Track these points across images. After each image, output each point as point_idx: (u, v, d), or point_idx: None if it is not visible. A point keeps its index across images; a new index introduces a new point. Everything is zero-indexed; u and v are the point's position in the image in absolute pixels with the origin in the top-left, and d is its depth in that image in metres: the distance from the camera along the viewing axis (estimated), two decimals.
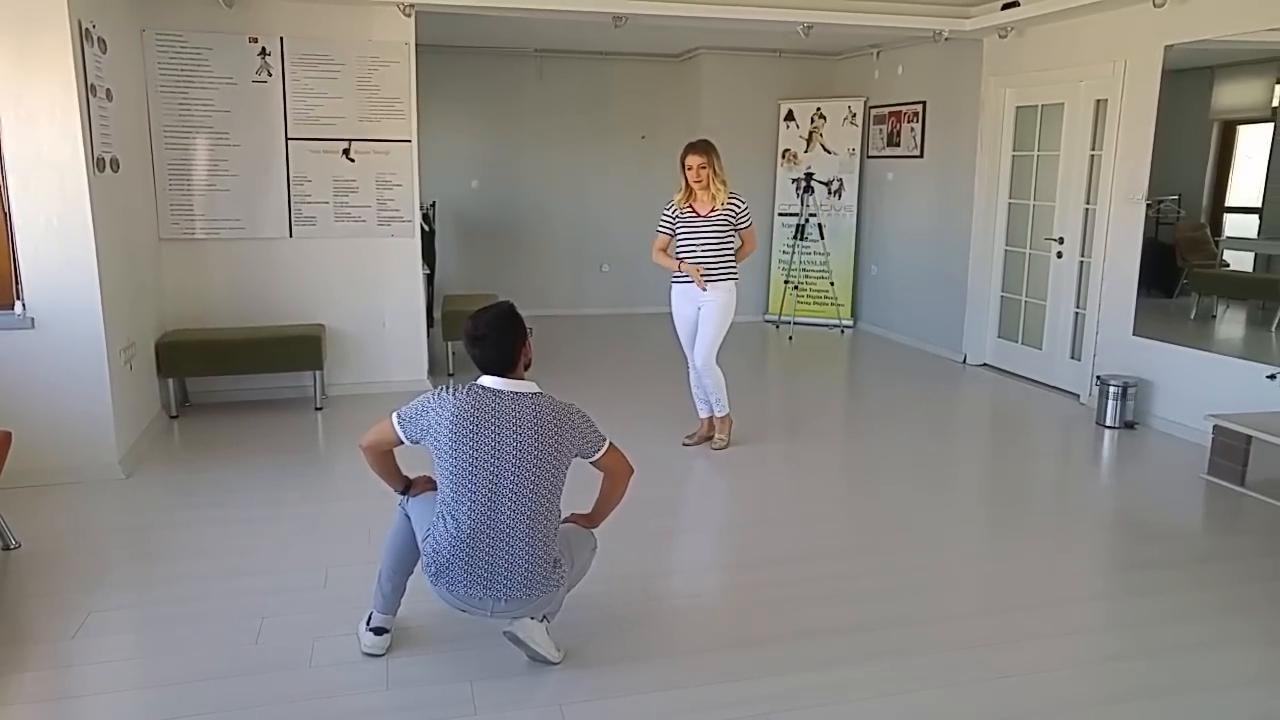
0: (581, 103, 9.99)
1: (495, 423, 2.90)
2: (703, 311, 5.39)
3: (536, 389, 3.01)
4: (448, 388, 2.99)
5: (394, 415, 3.03)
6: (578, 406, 3.09)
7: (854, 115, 9.49)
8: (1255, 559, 4.20)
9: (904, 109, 8.85)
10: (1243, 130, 6.51)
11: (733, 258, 5.38)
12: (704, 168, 5.23)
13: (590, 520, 3.31)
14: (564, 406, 3.04)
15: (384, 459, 3.14)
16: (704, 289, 5.31)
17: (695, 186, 5.26)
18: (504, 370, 3.00)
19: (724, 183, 5.29)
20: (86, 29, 4.82)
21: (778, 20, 6.98)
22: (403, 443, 3.03)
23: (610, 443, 3.13)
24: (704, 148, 5.28)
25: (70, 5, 4.57)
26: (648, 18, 6.78)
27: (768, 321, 10.02)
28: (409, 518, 3.15)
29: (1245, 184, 6.48)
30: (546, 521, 2.98)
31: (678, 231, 5.37)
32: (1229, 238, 6.65)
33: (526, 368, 3.08)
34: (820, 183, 9.60)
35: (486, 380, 2.99)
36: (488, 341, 2.99)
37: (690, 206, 5.32)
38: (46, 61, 4.56)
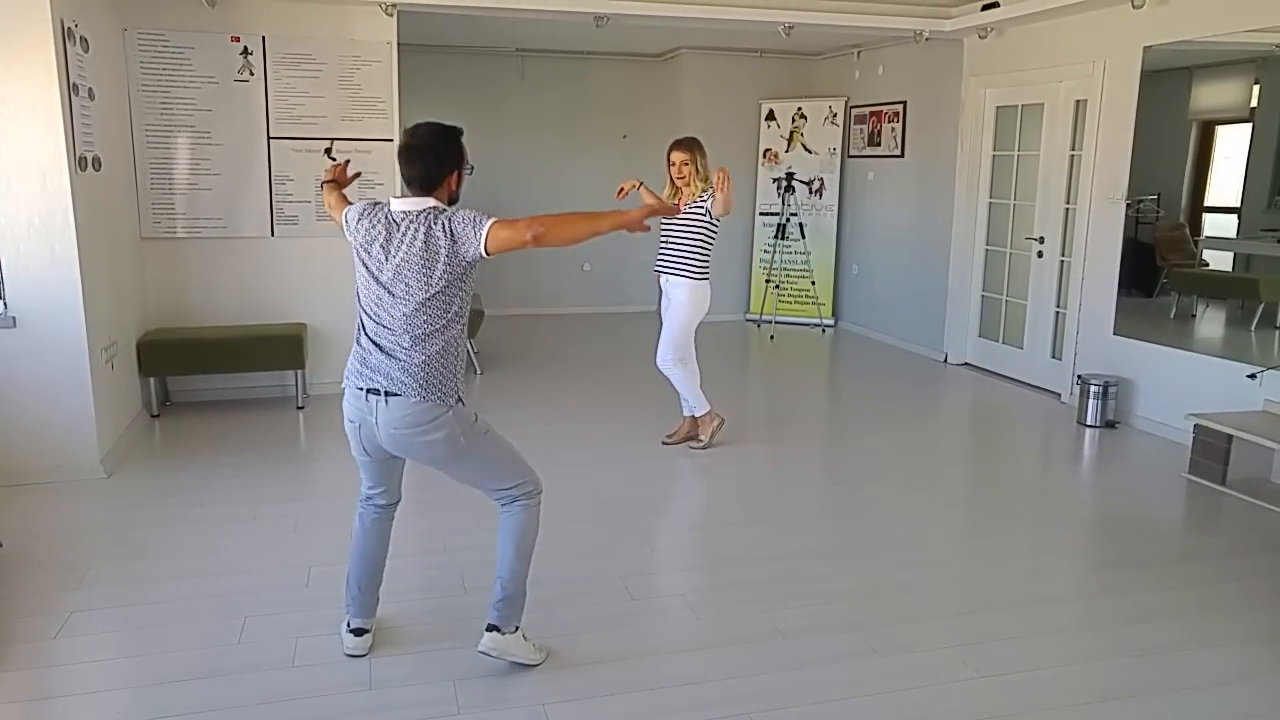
0: (563, 102, 9.99)
1: (386, 243, 2.87)
2: (668, 307, 5.44)
3: (433, 204, 2.89)
4: (376, 205, 2.97)
5: (347, 209, 3.09)
6: (467, 210, 2.89)
7: (835, 115, 9.53)
8: (1235, 558, 4.24)
9: (885, 109, 8.89)
10: (1221, 130, 6.57)
11: (695, 256, 5.31)
12: (686, 164, 5.26)
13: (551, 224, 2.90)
14: (449, 212, 2.88)
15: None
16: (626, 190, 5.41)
17: (678, 183, 5.29)
18: (424, 190, 2.90)
19: (705, 180, 5.30)
20: (69, 28, 4.79)
21: (759, 20, 7.00)
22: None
23: (494, 221, 2.81)
24: (688, 145, 5.30)
25: (53, 4, 4.55)
26: (629, 17, 6.79)
27: (749, 321, 10.05)
28: (361, 518, 3.20)
29: (1224, 184, 6.53)
30: (427, 324, 2.85)
31: (660, 224, 5.42)
32: (1208, 237, 6.71)
33: (452, 203, 2.97)
34: (801, 182, 9.64)
35: (394, 203, 2.92)
36: (416, 155, 2.91)
37: (674, 202, 5.35)
38: (29, 60, 4.54)
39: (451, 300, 2.88)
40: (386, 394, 2.87)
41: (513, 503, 3.09)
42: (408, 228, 2.84)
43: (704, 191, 5.28)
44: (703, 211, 5.27)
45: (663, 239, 5.42)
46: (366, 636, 3.20)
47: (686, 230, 5.32)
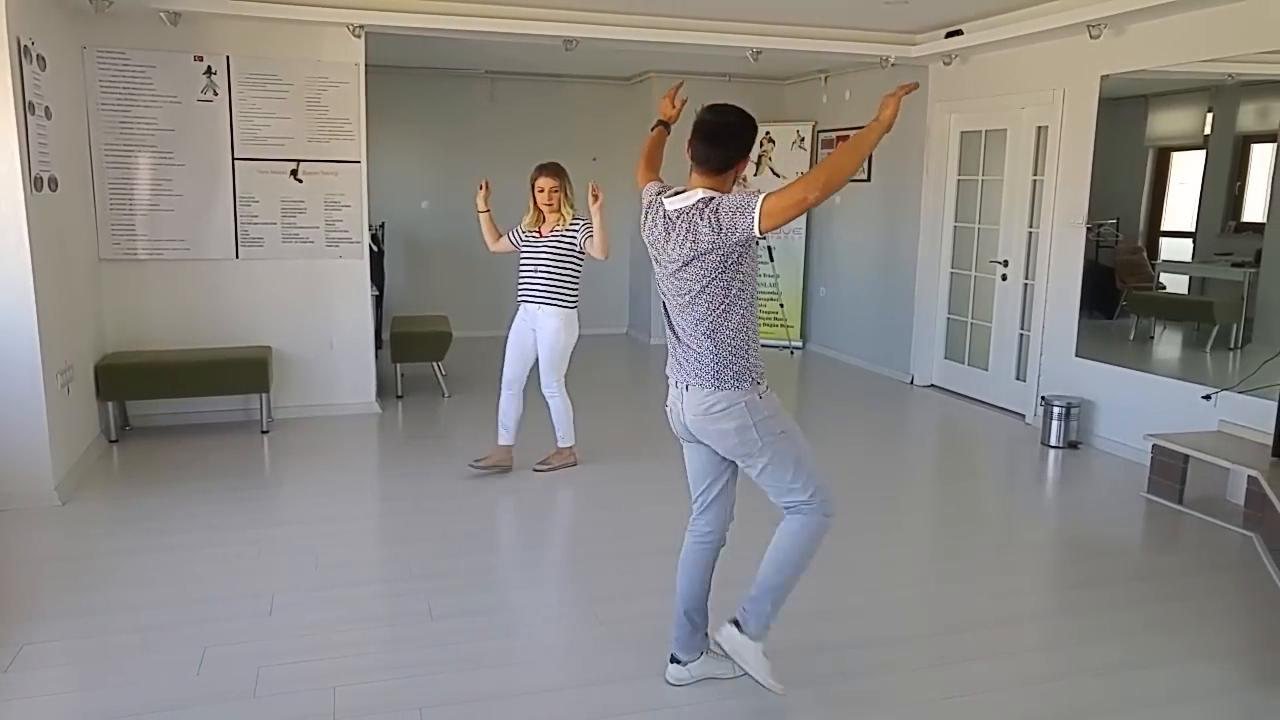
0: (533, 124, 9.99)
1: (665, 241, 2.89)
2: (537, 336, 5.40)
3: (701, 196, 2.81)
4: (656, 197, 3.00)
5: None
6: (734, 195, 2.82)
7: (802, 139, 9.61)
8: (1191, 576, 4.29)
9: (852, 133, 8.97)
10: (1176, 157, 6.68)
11: (567, 284, 5.31)
12: (555, 191, 5.22)
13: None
14: (716, 202, 2.78)
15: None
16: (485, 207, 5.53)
17: (545, 209, 5.25)
18: (714, 172, 2.86)
19: (572, 206, 5.28)
20: (25, 46, 4.73)
21: (727, 45, 7.05)
22: None
23: (765, 197, 2.71)
24: (555, 171, 5.26)
25: (8, 22, 4.49)
26: (598, 41, 6.83)
27: None
28: (685, 542, 3.24)
29: (1179, 209, 6.64)
30: (709, 313, 2.86)
31: (521, 250, 5.41)
32: (1165, 261, 6.80)
33: (735, 181, 2.94)
34: None
35: (667, 202, 2.90)
36: (717, 135, 2.86)
37: (536, 229, 5.33)
38: None
39: (730, 286, 2.85)
40: (687, 385, 2.94)
41: (795, 512, 3.16)
42: (680, 224, 2.83)
43: (572, 220, 5.25)
44: (573, 242, 5.24)
45: (528, 268, 5.34)
46: (680, 668, 3.19)
47: (557, 259, 5.26)
